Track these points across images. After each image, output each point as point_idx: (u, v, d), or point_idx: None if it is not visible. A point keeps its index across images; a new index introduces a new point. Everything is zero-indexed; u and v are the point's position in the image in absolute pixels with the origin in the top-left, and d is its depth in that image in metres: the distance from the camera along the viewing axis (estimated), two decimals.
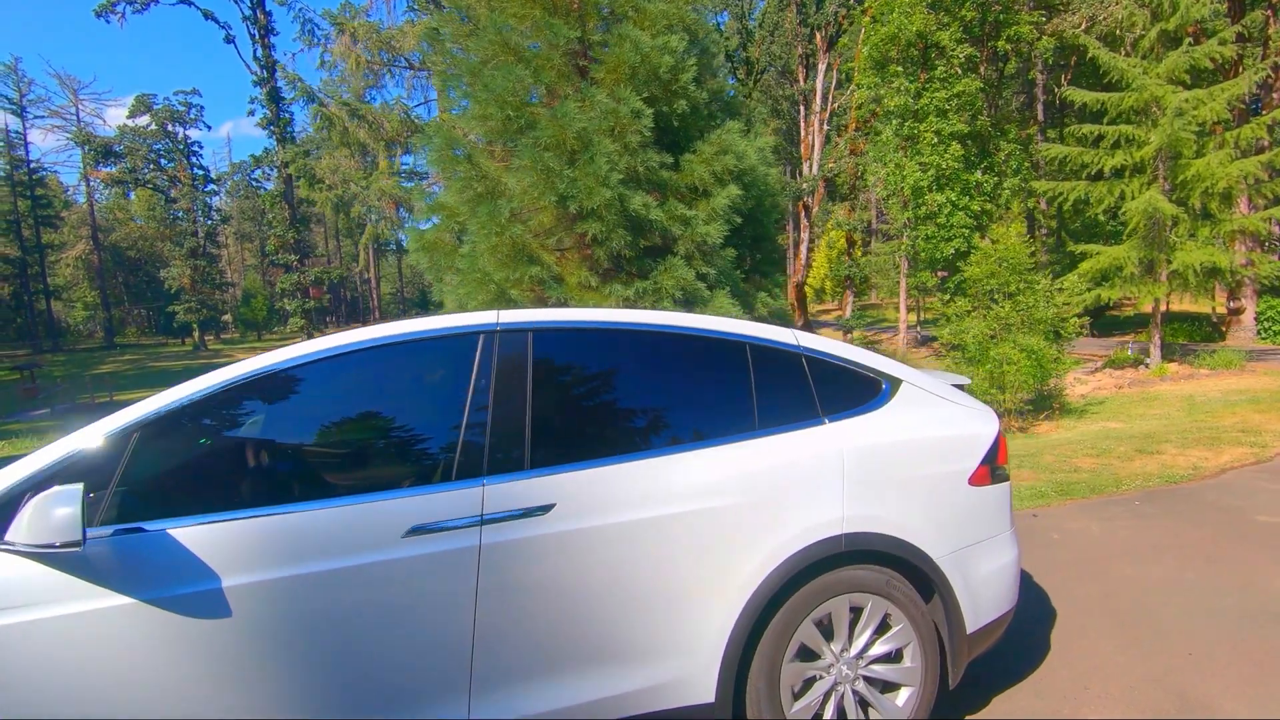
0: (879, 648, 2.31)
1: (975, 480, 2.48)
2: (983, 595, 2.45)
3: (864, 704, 2.29)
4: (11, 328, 50.36)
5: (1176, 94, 13.89)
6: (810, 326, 28.27)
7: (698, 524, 2.11)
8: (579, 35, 7.43)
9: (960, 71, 20.38)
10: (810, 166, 28.50)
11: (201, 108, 53.70)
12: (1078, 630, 3.26)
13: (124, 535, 1.76)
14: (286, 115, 40.91)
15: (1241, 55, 19.06)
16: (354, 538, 1.86)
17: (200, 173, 54.69)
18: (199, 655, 1.76)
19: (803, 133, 29.89)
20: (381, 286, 67.88)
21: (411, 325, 2.15)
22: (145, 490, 1.86)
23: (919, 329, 29.81)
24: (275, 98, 39.82)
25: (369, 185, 40.61)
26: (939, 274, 22.03)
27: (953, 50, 20.18)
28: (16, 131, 48.94)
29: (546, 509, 1.99)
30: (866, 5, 22.81)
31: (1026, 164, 22.60)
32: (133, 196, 59.24)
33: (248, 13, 39.00)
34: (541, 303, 7.12)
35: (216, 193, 60.43)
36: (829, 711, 2.24)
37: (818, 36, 27.99)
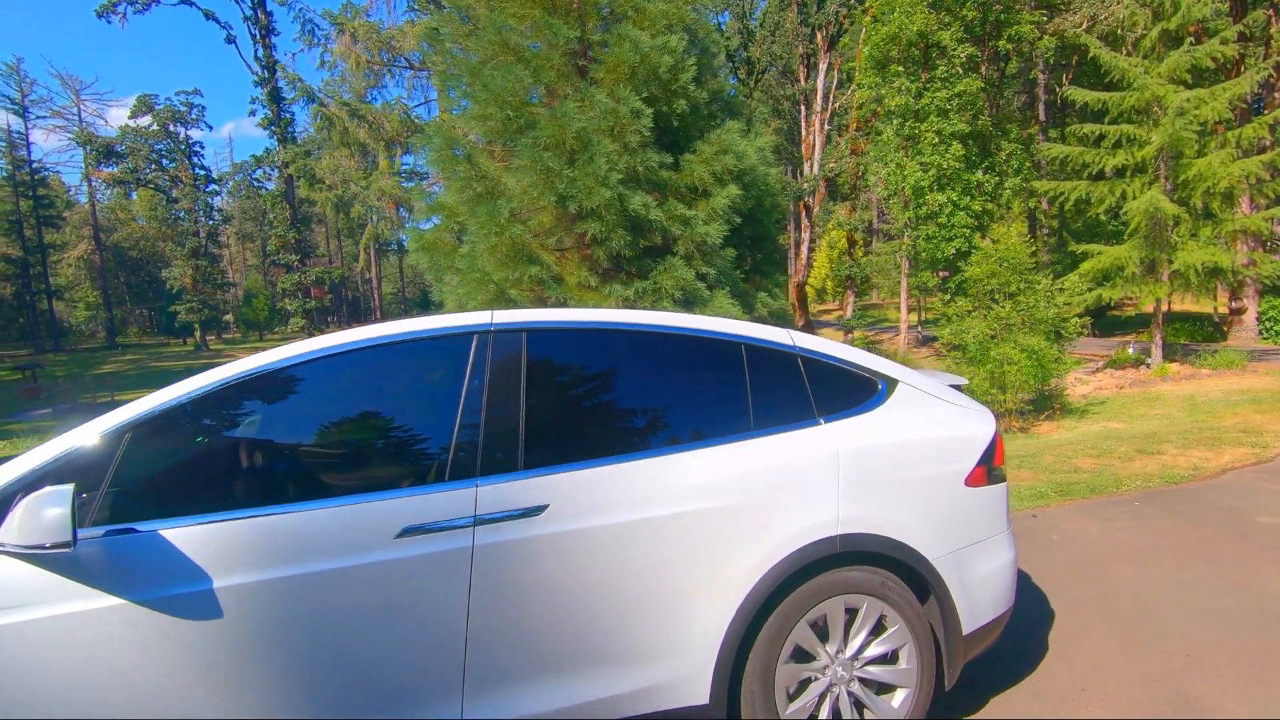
0: (874, 649, 2.30)
1: (971, 481, 2.47)
2: (979, 596, 2.44)
3: (859, 705, 2.28)
4: (14, 328, 50.45)
5: (1178, 93, 13.86)
6: (811, 326, 28.26)
7: (692, 525, 2.11)
8: (579, 35, 7.43)
9: (961, 71, 20.34)
10: (811, 166, 28.46)
11: (203, 108, 53.86)
12: (1076, 631, 3.25)
13: (116, 536, 1.76)
14: (287, 115, 41.01)
15: (1243, 55, 19.03)
16: (347, 538, 1.86)
17: (202, 173, 54.76)
18: (191, 656, 1.75)
19: (804, 132, 29.85)
20: (383, 286, 67.94)
21: (405, 325, 2.15)
22: (138, 490, 1.86)
23: (920, 329, 29.79)
24: (276, 98, 39.91)
25: (369, 185, 40.66)
26: (940, 274, 21.98)
27: (954, 50, 20.14)
28: (19, 132, 49.05)
29: (540, 510, 1.99)
30: (867, 5, 22.77)
31: (1028, 164, 22.55)
32: (134, 197, 59.31)
33: (248, 13, 39.11)
34: (541, 303, 7.12)
35: (218, 193, 60.54)
36: (824, 713, 2.23)
37: (819, 36, 27.95)
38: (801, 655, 2.22)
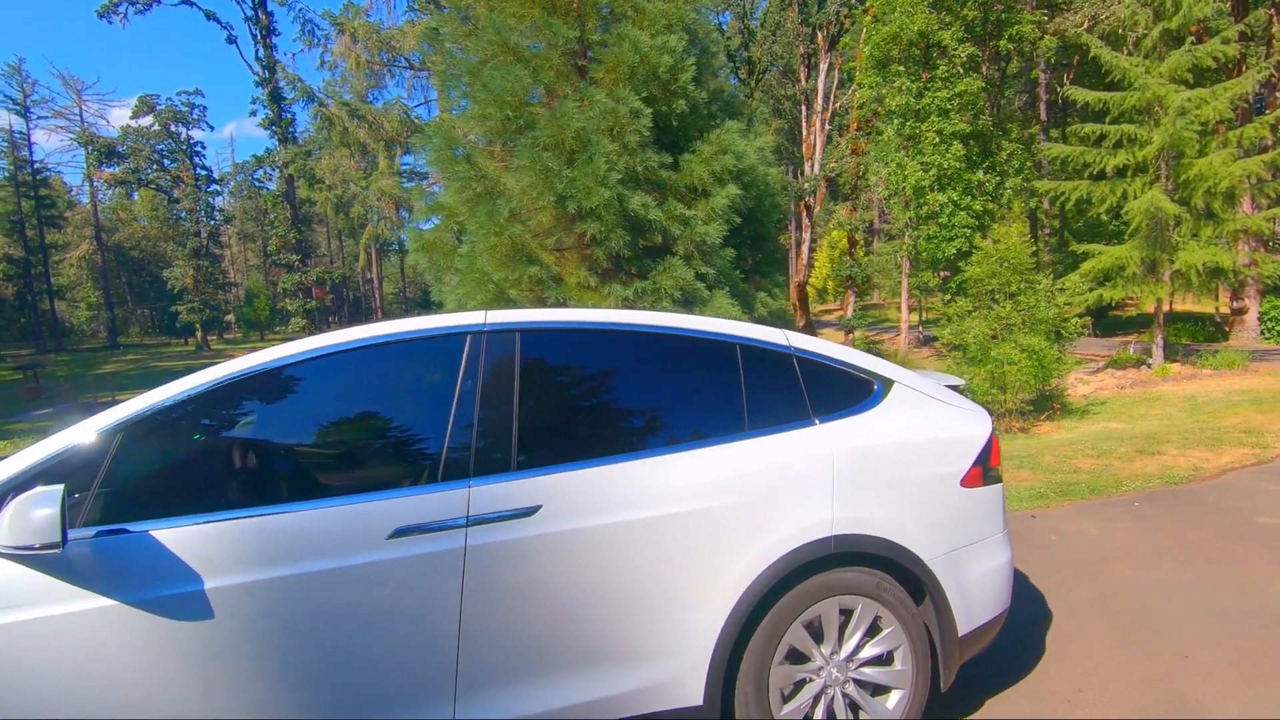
0: (869, 650, 2.29)
1: (967, 482, 2.47)
2: (975, 597, 2.44)
3: (854, 707, 2.27)
4: (15, 328, 50.51)
5: (1179, 93, 13.83)
6: (812, 326, 28.25)
7: (686, 525, 2.10)
8: (578, 35, 7.42)
9: (962, 71, 20.32)
10: (812, 166, 28.44)
11: (204, 108, 53.86)
12: (1074, 632, 3.23)
13: (107, 537, 1.75)
14: (288, 115, 41.05)
15: (1244, 54, 19.00)
16: (338, 539, 1.86)
17: (203, 173, 54.81)
18: (182, 657, 1.75)
19: (804, 132, 29.83)
20: (385, 286, 67.95)
21: (399, 325, 2.14)
22: (129, 491, 1.85)
23: (921, 329, 29.75)
24: (276, 98, 39.96)
25: (369, 185, 40.69)
26: (940, 274, 21.95)
27: (954, 50, 20.12)
28: (20, 132, 49.03)
29: (533, 510, 1.98)
30: (868, 5, 22.75)
31: (1029, 163, 22.52)
32: (136, 197, 59.33)
33: (249, 13, 39.17)
34: (540, 302, 7.12)
35: (219, 193, 60.55)
36: (819, 714, 2.23)
37: (819, 36, 27.94)
38: (796, 656, 2.21)
